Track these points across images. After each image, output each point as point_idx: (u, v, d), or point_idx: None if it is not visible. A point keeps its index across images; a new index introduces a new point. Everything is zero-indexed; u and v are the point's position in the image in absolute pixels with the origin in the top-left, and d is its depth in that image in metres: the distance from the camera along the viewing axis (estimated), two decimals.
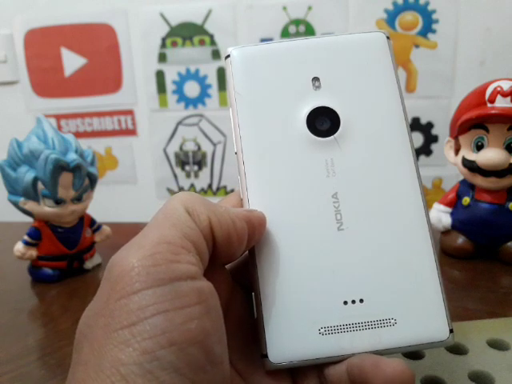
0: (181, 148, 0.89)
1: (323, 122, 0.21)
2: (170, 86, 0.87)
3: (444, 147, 0.51)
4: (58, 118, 0.91)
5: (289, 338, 0.19)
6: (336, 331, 0.19)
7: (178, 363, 0.15)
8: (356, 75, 0.22)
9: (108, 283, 0.16)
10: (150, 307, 0.15)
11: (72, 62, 0.88)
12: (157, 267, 0.16)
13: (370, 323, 0.19)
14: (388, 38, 0.23)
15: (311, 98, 0.21)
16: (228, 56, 0.23)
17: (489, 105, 0.44)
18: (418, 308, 0.19)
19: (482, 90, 0.45)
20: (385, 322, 0.19)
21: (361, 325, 0.19)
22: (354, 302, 0.19)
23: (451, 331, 0.19)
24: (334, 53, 0.22)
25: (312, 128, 0.21)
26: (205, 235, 0.18)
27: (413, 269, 0.20)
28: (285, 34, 0.81)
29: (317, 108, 0.21)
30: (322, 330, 0.19)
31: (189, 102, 0.87)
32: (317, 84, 0.22)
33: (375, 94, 0.22)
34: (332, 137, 0.21)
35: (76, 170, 0.47)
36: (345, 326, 0.19)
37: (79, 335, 0.17)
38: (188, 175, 0.91)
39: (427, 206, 0.21)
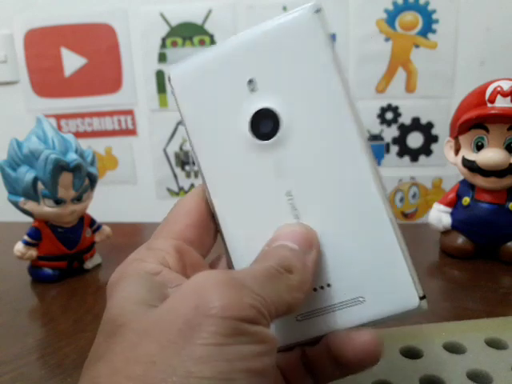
0: (181, 148, 0.89)
1: (265, 124, 0.21)
2: (169, 86, 0.87)
3: (444, 147, 0.51)
4: (58, 118, 0.91)
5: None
6: (311, 316, 0.20)
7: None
8: (289, 66, 0.20)
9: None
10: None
11: (72, 61, 0.88)
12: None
13: (339, 304, 0.20)
14: (317, 11, 0.20)
15: (250, 103, 0.21)
16: (169, 79, 0.23)
17: (489, 105, 0.44)
18: (383, 281, 0.19)
19: (481, 90, 0.45)
20: (353, 301, 0.20)
21: (332, 307, 0.20)
22: (322, 287, 0.20)
23: (422, 297, 0.19)
24: (263, 47, 0.21)
25: (256, 132, 0.21)
26: None
27: (373, 245, 0.20)
28: None
29: (256, 112, 0.21)
30: (298, 317, 0.21)
31: None
32: (252, 86, 0.21)
33: (312, 83, 0.20)
34: (275, 137, 0.21)
35: (76, 169, 0.47)
36: (318, 311, 0.20)
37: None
38: (188, 175, 0.91)
39: (385, 189, 0.20)
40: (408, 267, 0.19)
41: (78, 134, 0.90)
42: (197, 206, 0.22)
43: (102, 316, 0.18)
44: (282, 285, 0.17)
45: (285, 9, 0.80)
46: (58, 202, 0.47)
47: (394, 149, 0.83)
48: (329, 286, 0.20)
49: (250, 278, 0.17)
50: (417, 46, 0.79)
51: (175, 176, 0.91)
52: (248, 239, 0.21)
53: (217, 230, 0.23)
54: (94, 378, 0.15)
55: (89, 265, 0.52)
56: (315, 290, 0.20)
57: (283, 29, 0.21)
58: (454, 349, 0.28)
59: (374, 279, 0.19)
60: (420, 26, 0.78)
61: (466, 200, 0.49)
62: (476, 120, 0.45)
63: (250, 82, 0.21)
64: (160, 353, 0.14)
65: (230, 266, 0.22)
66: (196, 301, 0.15)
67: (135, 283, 0.18)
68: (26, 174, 0.45)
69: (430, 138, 0.82)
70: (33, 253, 0.48)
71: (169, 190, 0.92)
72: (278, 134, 0.21)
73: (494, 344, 0.29)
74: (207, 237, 0.22)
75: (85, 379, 0.16)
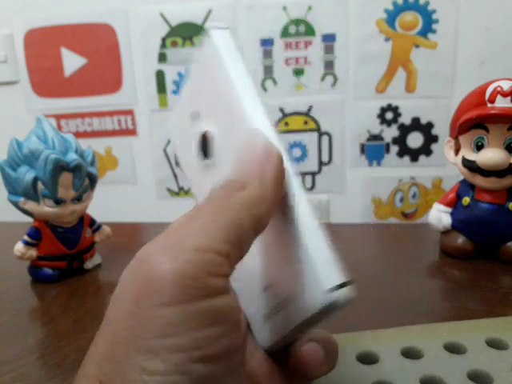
0: None
1: (206, 146, 0.23)
2: (170, 86, 0.87)
3: (444, 147, 0.51)
4: (58, 118, 0.91)
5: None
6: (268, 318, 0.20)
7: (204, 375, 0.15)
8: (211, 88, 0.22)
9: (136, 281, 0.16)
10: (179, 325, 0.15)
11: (72, 61, 0.88)
12: (192, 280, 0.15)
13: (276, 307, 0.20)
14: (209, 36, 0.22)
15: (196, 130, 0.24)
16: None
17: (489, 105, 0.44)
18: (300, 279, 0.18)
19: (481, 90, 0.45)
20: (283, 303, 0.19)
21: (273, 310, 0.20)
22: (265, 289, 0.20)
23: (341, 286, 0.17)
24: (194, 79, 0.24)
25: (203, 154, 0.23)
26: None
27: (285, 244, 0.19)
28: (285, 34, 0.81)
29: (196, 140, 0.24)
30: (266, 317, 0.20)
31: None
32: (195, 116, 0.24)
33: (221, 98, 0.22)
34: (213, 156, 0.23)
35: (76, 169, 0.47)
36: (270, 313, 0.20)
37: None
38: None
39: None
40: (318, 261, 0.17)
41: (78, 134, 0.90)
42: None
43: (103, 316, 0.18)
44: (236, 206, 0.17)
45: (285, 9, 0.80)
46: (58, 201, 0.47)
47: (394, 149, 0.83)
48: (269, 287, 0.20)
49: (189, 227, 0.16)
50: (417, 46, 0.79)
51: (175, 176, 0.91)
52: None
53: None
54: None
55: (89, 265, 0.52)
56: (264, 290, 0.20)
57: (197, 58, 0.23)
58: (454, 349, 0.28)
59: (292, 278, 0.18)
60: (420, 25, 0.78)
61: (466, 200, 0.49)
62: (476, 120, 0.45)
63: (194, 113, 0.24)
64: (120, 322, 0.15)
65: None
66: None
67: None
68: (26, 174, 0.45)
69: (430, 138, 0.82)
70: (33, 253, 0.48)
71: (169, 190, 0.92)
72: (214, 152, 0.23)
73: (495, 344, 0.29)
74: None
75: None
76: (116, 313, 0.16)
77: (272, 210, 0.18)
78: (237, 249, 0.17)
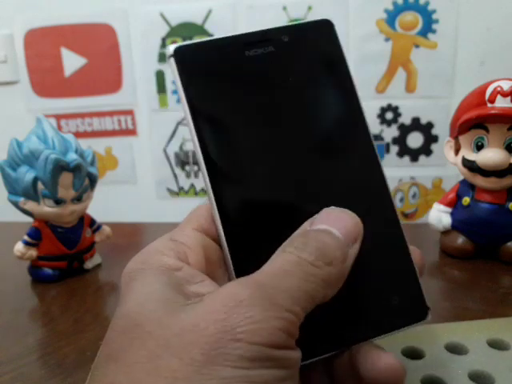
0: (181, 148, 0.89)
1: None
2: (170, 86, 0.87)
3: (444, 147, 0.51)
4: (58, 118, 0.91)
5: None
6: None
7: None
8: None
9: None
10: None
11: (72, 61, 0.88)
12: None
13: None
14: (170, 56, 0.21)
15: None
16: None
17: (489, 105, 0.44)
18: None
19: (481, 90, 0.45)
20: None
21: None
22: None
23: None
24: None
25: None
26: None
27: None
28: None
29: None
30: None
31: None
32: None
33: None
34: None
35: (76, 169, 0.47)
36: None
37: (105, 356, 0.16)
38: (188, 175, 0.91)
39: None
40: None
41: (78, 134, 0.90)
42: None
43: (103, 316, 0.17)
44: (317, 280, 0.16)
45: (285, 9, 0.80)
46: (58, 201, 0.47)
47: (394, 149, 0.83)
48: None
49: (281, 283, 0.16)
50: (417, 46, 0.79)
51: (175, 176, 0.91)
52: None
53: None
54: (111, 383, 0.15)
55: (89, 265, 0.52)
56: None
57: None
58: (455, 349, 0.28)
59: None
60: (420, 25, 0.78)
61: (466, 200, 0.49)
62: (476, 120, 0.45)
63: None
64: (181, 369, 0.14)
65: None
66: (223, 322, 0.15)
67: (156, 279, 0.17)
68: (26, 174, 0.45)
69: (430, 138, 0.82)
70: (33, 253, 0.48)
71: (169, 190, 0.91)
72: None
73: (496, 345, 0.28)
74: None
75: (99, 380, 0.15)
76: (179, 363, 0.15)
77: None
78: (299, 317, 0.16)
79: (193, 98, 0.20)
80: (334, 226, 0.18)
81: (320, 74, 0.21)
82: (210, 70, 0.21)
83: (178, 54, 0.20)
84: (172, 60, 0.20)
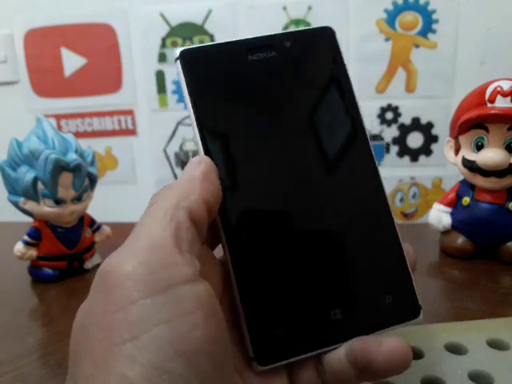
0: (181, 148, 0.89)
1: None
2: (169, 86, 0.87)
3: (444, 147, 0.51)
4: (58, 118, 0.91)
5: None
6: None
7: (187, 376, 0.14)
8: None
9: (102, 292, 0.16)
10: (151, 318, 0.14)
11: (72, 61, 0.88)
12: (153, 274, 0.15)
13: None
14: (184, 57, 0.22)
15: None
16: None
17: (489, 105, 0.44)
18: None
19: (481, 90, 0.45)
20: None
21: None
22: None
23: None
24: None
25: None
26: (196, 222, 0.18)
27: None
28: None
29: None
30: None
31: None
32: None
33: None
34: None
35: (76, 169, 0.47)
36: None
37: (74, 346, 0.16)
38: None
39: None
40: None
41: (78, 134, 0.90)
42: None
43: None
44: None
45: (285, 9, 0.80)
46: (58, 202, 0.47)
47: (394, 149, 0.83)
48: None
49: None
50: (417, 46, 0.79)
51: (175, 176, 0.91)
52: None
53: None
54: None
55: (89, 265, 0.52)
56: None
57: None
58: (455, 349, 0.28)
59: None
60: (420, 25, 0.78)
61: (466, 200, 0.49)
62: (476, 120, 0.45)
63: None
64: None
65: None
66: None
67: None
68: (26, 174, 0.45)
69: (430, 138, 0.82)
70: (33, 253, 0.48)
71: None
72: None
73: (496, 345, 0.28)
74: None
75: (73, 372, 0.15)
76: (91, 328, 0.16)
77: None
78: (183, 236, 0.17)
79: (197, 99, 0.21)
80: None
81: (320, 79, 0.22)
82: (214, 73, 0.22)
83: (184, 56, 0.22)
84: (178, 62, 0.21)
